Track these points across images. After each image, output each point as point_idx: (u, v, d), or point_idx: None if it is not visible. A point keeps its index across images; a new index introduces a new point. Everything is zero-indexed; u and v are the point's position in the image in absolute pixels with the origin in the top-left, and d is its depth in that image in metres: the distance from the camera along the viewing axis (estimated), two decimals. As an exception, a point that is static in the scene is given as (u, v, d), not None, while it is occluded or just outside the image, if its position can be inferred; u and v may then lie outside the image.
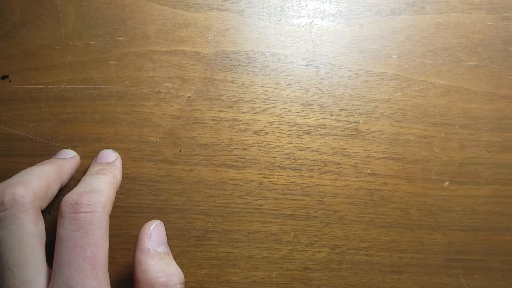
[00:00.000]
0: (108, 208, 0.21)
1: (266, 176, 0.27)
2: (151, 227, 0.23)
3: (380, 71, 0.28)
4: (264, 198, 0.27)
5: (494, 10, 0.29)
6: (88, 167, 0.25)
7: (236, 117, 0.27)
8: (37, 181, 0.21)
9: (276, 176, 0.27)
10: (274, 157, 0.27)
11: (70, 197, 0.20)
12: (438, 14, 0.28)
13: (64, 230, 0.20)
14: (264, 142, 0.27)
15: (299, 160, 0.27)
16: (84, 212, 0.20)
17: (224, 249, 0.26)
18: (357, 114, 0.28)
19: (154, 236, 0.23)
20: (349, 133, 0.27)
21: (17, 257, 0.19)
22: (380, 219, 0.27)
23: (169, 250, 0.23)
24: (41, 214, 0.21)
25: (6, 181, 0.21)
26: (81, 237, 0.19)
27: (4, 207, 0.19)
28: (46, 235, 0.21)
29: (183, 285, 0.21)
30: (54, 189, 0.23)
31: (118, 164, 0.25)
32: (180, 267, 0.26)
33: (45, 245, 0.21)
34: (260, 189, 0.27)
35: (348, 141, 0.27)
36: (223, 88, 0.27)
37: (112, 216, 0.25)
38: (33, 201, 0.20)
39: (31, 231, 0.20)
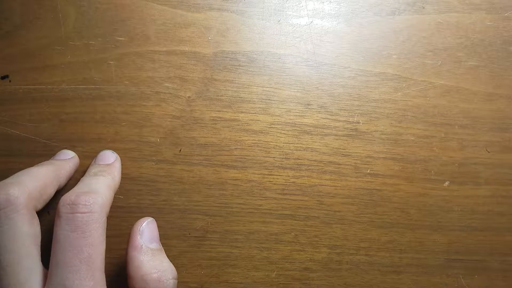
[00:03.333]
0: (106, 209, 0.21)
1: (266, 176, 0.27)
2: (143, 224, 0.23)
3: (380, 71, 0.28)
4: (264, 198, 0.27)
5: (494, 10, 0.29)
6: (87, 168, 0.25)
7: (236, 117, 0.27)
8: (32, 182, 0.21)
9: (276, 176, 0.27)
10: (274, 157, 0.27)
11: (67, 197, 0.20)
12: (438, 14, 0.28)
13: (61, 230, 0.19)
14: (264, 142, 0.27)
15: (299, 160, 0.27)
16: (81, 213, 0.20)
17: (224, 249, 0.26)
18: (357, 114, 0.28)
19: (146, 233, 0.23)
20: (349, 133, 0.27)
21: (11, 258, 0.19)
22: (380, 219, 0.27)
23: (161, 246, 0.23)
24: (36, 215, 0.21)
25: (1, 181, 0.20)
26: (77, 237, 0.19)
27: None
28: (44, 235, 0.21)
29: (176, 280, 0.22)
30: (51, 190, 0.23)
31: (117, 165, 0.25)
32: (180, 267, 0.26)
33: (43, 245, 0.21)
34: (260, 189, 0.27)
35: (348, 141, 0.27)
36: (223, 88, 0.27)
37: (112, 216, 0.25)
38: (28, 202, 0.20)
39: (25, 232, 0.20)
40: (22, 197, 0.20)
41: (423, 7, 0.28)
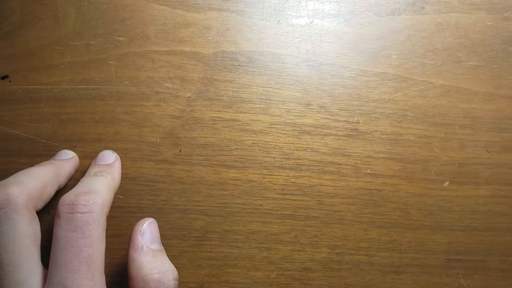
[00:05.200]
0: (106, 209, 0.21)
1: (266, 176, 0.27)
2: (144, 225, 0.23)
3: (380, 71, 0.28)
4: (264, 198, 0.27)
5: (494, 10, 0.29)
6: (87, 168, 0.25)
7: (236, 117, 0.27)
8: (32, 182, 0.21)
9: (276, 176, 0.27)
10: (274, 157, 0.27)
11: (67, 198, 0.20)
12: (438, 14, 0.28)
13: (61, 230, 0.19)
14: (264, 142, 0.27)
15: (299, 160, 0.27)
16: (80, 213, 0.20)
17: (224, 249, 0.26)
18: (357, 114, 0.28)
19: (147, 233, 0.23)
20: (349, 133, 0.27)
21: (10, 258, 0.19)
22: (380, 219, 0.27)
23: (162, 247, 0.23)
24: (36, 214, 0.21)
25: (1, 181, 0.20)
26: (77, 237, 0.19)
27: None
28: (44, 235, 0.21)
29: (177, 282, 0.22)
30: (51, 190, 0.23)
31: (117, 165, 0.25)
32: (180, 267, 0.26)
33: (43, 245, 0.21)
34: (260, 189, 0.27)
35: (348, 141, 0.27)
36: (223, 88, 0.27)
37: (112, 216, 0.25)
38: (27, 202, 0.20)
39: (25, 232, 0.20)
40: (22, 197, 0.20)
41: (423, 7, 0.28)
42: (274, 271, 0.27)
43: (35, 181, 0.21)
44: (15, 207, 0.19)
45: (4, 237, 0.19)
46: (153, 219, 0.24)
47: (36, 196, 0.21)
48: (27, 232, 0.20)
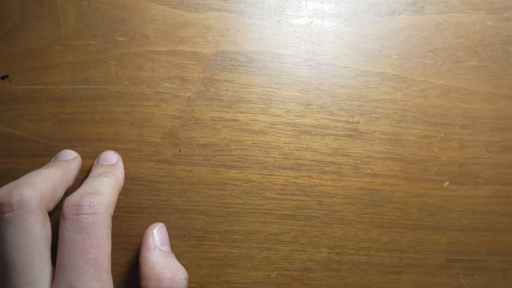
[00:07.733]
0: (110, 210, 0.21)
1: (266, 176, 0.27)
2: (155, 229, 0.24)
3: (380, 71, 0.28)
4: (264, 198, 0.27)
5: (494, 10, 0.29)
6: (89, 168, 0.25)
7: (236, 117, 0.27)
8: (44, 183, 0.21)
9: (276, 176, 0.27)
10: (274, 157, 0.27)
11: (72, 199, 0.20)
12: (438, 14, 0.28)
13: (67, 232, 0.20)
14: (264, 142, 0.27)
15: (299, 160, 0.27)
16: (86, 214, 0.20)
17: (224, 249, 0.26)
18: (357, 114, 0.28)
19: (158, 236, 0.24)
20: (349, 133, 0.27)
21: (23, 258, 0.19)
22: (380, 219, 0.27)
23: (171, 250, 0.24)
24: (47, 215, 0.21)
25: (13, 182, 0.21)
26: (83, 239, 0.19)
27: (12, 208, 0.19)
28: None
29: (187, 282, 0.22)
30: (61, 192, 0.23)
31: (120, 166, 0.25)
32: (180, 267, 0.26)
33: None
34: (260, 189, 0.27)
35: (348, 141, 0.27)
36: (223, 88, 0.27)
37: (112, 217, 0.25)
38: (41, 203, 0.20)
39: (37, 233, 0.20)
40: (35, 198, 0.20)
41: (423, 7, 0.28)
42: (274, 271, 0.27)
43: (46, 183, 0.21)
44: (28, 208, 0.20)
45: (18, 238, 0.19)
46: (162, 223, 0.25)
47: (48, 197, 0.21)
48: (40, 233, 0.20)
